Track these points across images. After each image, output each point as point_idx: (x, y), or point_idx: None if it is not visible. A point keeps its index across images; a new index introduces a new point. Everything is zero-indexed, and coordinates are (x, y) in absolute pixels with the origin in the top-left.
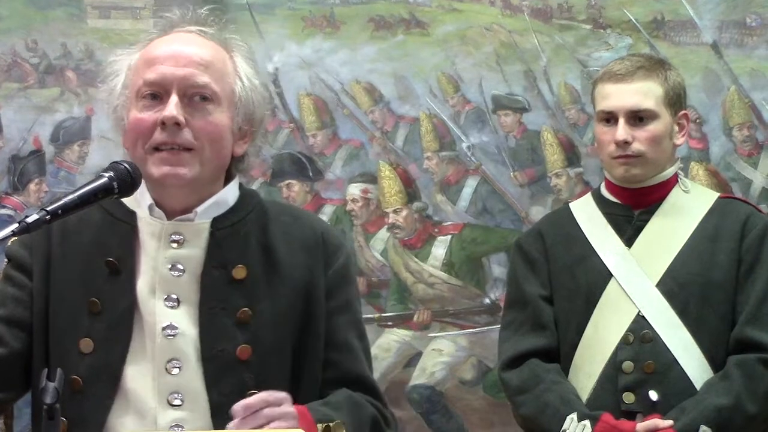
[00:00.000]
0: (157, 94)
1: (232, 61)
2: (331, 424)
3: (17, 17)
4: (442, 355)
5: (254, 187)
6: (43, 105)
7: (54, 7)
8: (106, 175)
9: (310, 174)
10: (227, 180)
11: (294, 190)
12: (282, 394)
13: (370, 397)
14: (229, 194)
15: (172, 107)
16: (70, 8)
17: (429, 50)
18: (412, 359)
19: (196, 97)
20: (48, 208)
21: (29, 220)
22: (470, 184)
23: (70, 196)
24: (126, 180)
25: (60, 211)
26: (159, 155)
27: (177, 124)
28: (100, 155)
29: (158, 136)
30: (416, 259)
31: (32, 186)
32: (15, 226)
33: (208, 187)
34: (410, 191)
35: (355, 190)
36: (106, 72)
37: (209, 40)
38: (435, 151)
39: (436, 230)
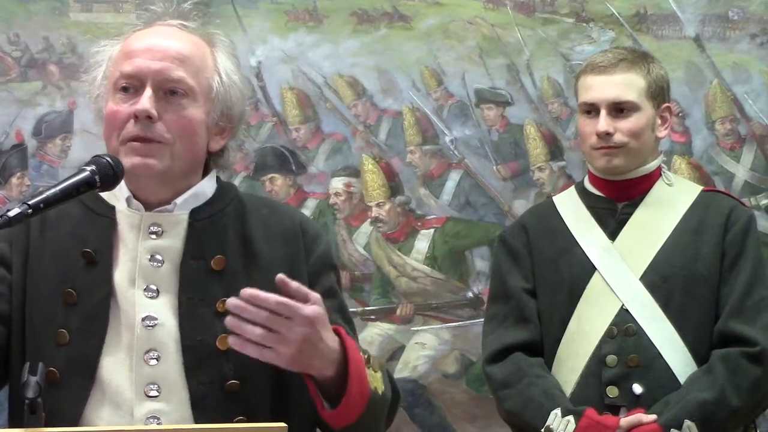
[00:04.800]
0: (132, 86)
1: (212, 56)
2: (372, 355)
3: None
4: (425, 348)
5: (237, 180)
6: (25, 99)
7: (36, 0)
8: (88, 168)
9: (293, 168)
10: (205, 174)
11: (277, 184)
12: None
13: None
14: (206, 186)
15: (145, 100)
16: (52, 1)
17: (412, 44)
18: (395, 353)
19: (170, 91)
20: (30, 202)
21: (11, 213)
22: (453, 178)
23: (52, 190)
24: (108, 173)
25: (42, 205)
26: (130, 145)
27: (149, 117)
28: (83, 149)
29: (131, 128)
30: (399, 253)
31: (14, 180)
32: None
33: (184, 180)
34: (393, 185)
35: (338, 183)
36: (90, 61)
37: (190, 34)
38: (418, 144)
39: (419, 224)
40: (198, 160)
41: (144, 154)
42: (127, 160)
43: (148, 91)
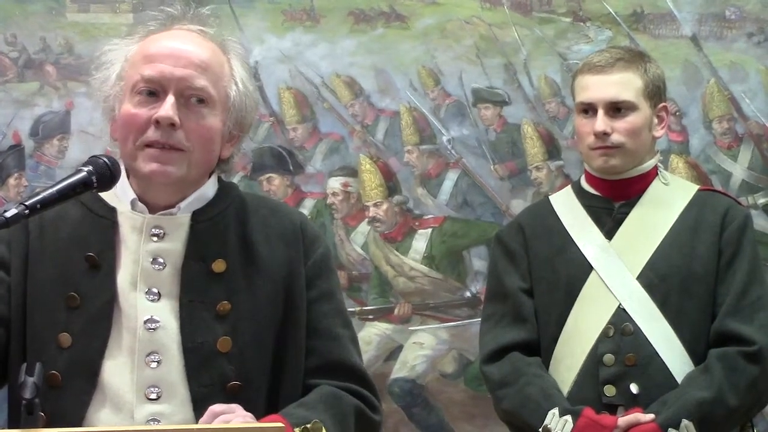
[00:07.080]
0: (153, 91)
1: (229, 64)
2: (308, 426)
3: None
4: (423, 348)
5: (235, 180)
6: (22, 99)
7: (33, 1)
8: (85, 169)
9: (291, 168)
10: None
11: (274, 184)
12: (234, 405)
13: (355, 383)
14: (208, 188)
15: (168, 107)
16: (50, 2)
17: (409, 43)
18: (393, 352)
19: (192, 98)
20: (27, 203)
21: (8, 214)
22: (450, 178)
23: (49, 191)
24: (105, 174)
25: (39, 205)
26: (149, 151)
27: (171, 124)
28: (80, 149)
29: (151, 134)
30: (397, 253)
31: (12, 181)
32: None
33: (193, 186)
34: (391, 185)
35: (335, 183)
36: (101, 60)
37: (209, 41)
38: (415, 144)
39: (416, 223)
40: (210, 167)
41: (163, 161)
42: (145, 166)
43: (170, 98)
